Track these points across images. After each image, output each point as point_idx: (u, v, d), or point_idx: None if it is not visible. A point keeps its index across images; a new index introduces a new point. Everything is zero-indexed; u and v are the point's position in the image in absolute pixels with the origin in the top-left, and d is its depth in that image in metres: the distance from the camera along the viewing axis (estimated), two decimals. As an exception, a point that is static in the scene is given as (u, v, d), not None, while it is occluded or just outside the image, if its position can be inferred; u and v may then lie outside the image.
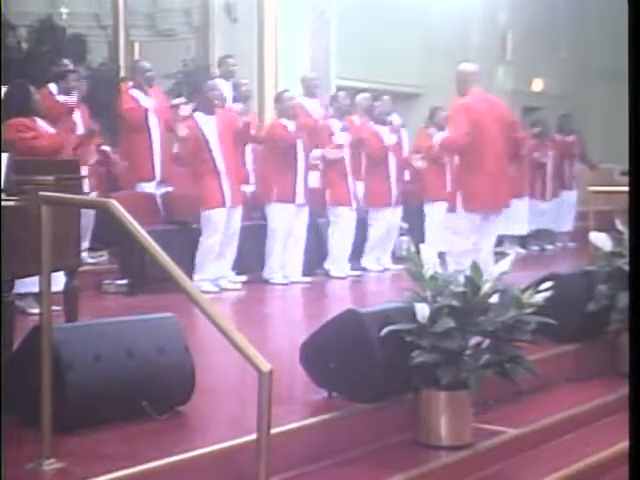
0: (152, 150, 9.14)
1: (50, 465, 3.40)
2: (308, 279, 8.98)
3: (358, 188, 9.70)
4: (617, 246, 6.15)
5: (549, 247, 12.78)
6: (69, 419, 3.70)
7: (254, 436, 3.12)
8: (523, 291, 4.52)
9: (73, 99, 8.36)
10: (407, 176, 10.55)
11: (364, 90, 10.91)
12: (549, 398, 5.31)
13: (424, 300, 4.34)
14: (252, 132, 8.98)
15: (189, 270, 7.86)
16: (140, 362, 4.01)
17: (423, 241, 9.24)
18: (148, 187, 9.14)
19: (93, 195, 7.98)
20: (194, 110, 8.45)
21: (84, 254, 7.40)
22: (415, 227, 10.49)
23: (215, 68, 11.29)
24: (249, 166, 9.54)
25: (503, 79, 16.31)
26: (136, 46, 13.22)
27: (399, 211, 10.09)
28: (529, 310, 4.44)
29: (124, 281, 8.10)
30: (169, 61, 12.07)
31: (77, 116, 8.58)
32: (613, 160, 13.65)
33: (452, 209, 7.43)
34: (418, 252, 4.44)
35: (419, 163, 10.33)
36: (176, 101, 9.34)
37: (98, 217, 8.26)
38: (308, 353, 4.57)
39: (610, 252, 6.17)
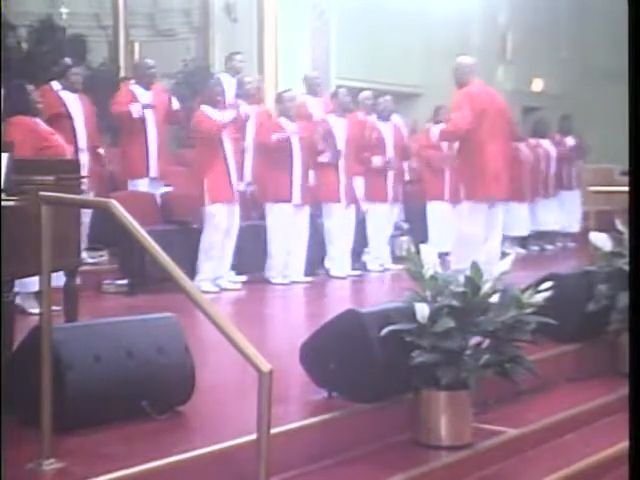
0: (147, 146, 9.10)
1: (50, 465, 3.40)
2: (308, 279, 8.98)
3: (357, 185, 9.69)
4: (617, 246, 6.15)
5: (549, 247, 12.79)
6: (69, 419, 3.70)
7: (254, 436, 3.11)
8: (523, 291, 4.52)
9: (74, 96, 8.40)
10: (407, 176, 10.56)
11: (364, 90, 10.90)
12: (549, 398, 5.31)
13: (424, 300, 4.34)
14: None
15: (189, 270, 7.87)
16: (140, 362, 4.01)
17: (424, 241, 9.24)
18: (142, 184, 9.12)
19: (90, 195, 7.97)
20: (201, 103, 8.44)
21: (84, 254, 7.39)
22: (416, 227, 10.49)
23: (216, 67, 11.31)
24: (247, 164, 9.54)
25: (503, 79, 16.31)
26: (136, 46, 13.23)
27: (396, 209, 10.07)
28: (529, 310, 4.44)
29: (124, 281, 8.10)
30: (169, 61, 12.08)
31: (78, 114, 8.61)
32: (613, 160, 13.66)
33: (456, 201, 7.43)
34: (418, 252, 4.44)
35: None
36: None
37: (95, 217, 8.25)
38: (308, 353, 4.57)
39: (610, 252, 6.17)
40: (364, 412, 4.35)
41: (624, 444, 3.68)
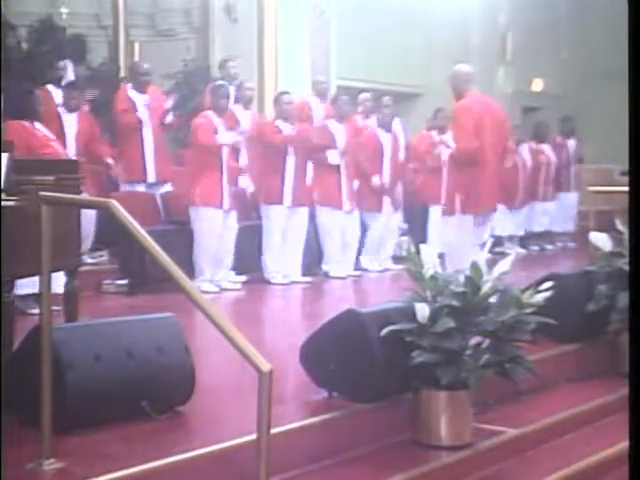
0: (144, 151, 9.11)
1: (50, 465, 3.40)
2: (308, 279, 8.98)
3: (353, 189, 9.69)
4: (617, 246, 6.15)
5: (549, 247, 12.79)
6: (69, 419, 3.70)
7: (254, 436, 3.11)
8: (523, 291, 4.52)
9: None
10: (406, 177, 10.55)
11: (364, 90, 10.91)
12: (549, 398, 5.31)
13: (424, 300, 4.34)
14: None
15: (189, 270, 7.87)
16: (140, 362, 4.01)
17: (424, 241, 9.24)
18: (139, 189, 9.13)
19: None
20: (200, 109, 8.45)
21: (84, 254, 7.40)
22: (415, 227, 10.48)
23: (215, 68, 11.30)
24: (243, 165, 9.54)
25: (503, 80, 16.31)
26: (136, 46, 13.22)
27: (398, 215, 10.08)
28: (529, 310, 4.44)
29: (124, 281, 8.10)
30: (169, 61, 12.08)
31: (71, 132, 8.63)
32: (613, 160, 13.67)
33: (450, 212, 7.41)
34: (418, 252, 4.44)
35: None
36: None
37: (100, 220, 8.27)
38: (308, 353, 4.57)
39: (610, 252, 6.17)
40: (364, 412, 4.35)
41: (624, 444, 3.68)
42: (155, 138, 9.13)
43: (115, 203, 3.36)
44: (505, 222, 11.51)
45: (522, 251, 11.91)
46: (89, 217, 8.02)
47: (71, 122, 8.67)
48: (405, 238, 10.14)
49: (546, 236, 12.84)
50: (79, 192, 4.89)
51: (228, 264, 8.38)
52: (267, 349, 4.04)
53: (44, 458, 3.40)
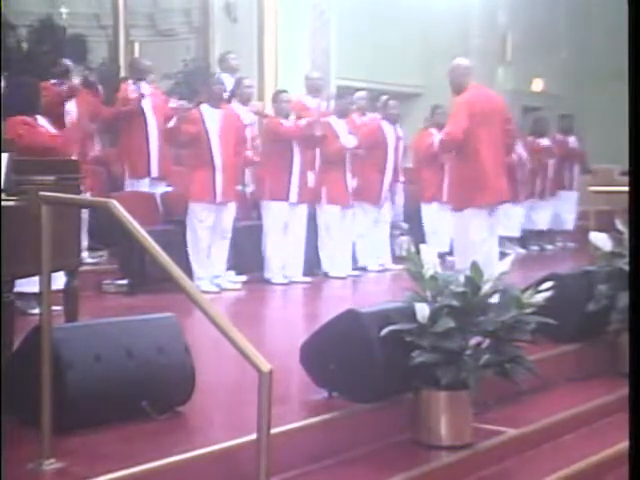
0: (148, 146, 9.13)
1: (50, 465, 3.40)
2: (308, 279, 8.98)
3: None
4: (617, 246, 6.15)
5: (549, 247, 12.79)
6: (69, 419, 3.70)
7: (254, 436, 3.11)
8: (523, 291, 4.52)
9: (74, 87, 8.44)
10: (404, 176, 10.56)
11: (363, 90, 10.91)
12: (549, 398, 5.30)
13: (424, 300, 4.34)
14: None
15: (189, 270, 7.88)
16: (140, 362, 4.01)
17: (423, 241, 9.24)
18: (143, 184, 9.14)
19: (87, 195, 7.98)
20: (200, 102, 8.44)
21: (84, 254, 7.40)
22: (415, 227, 10.49)
23: (215, 67, 11.30)
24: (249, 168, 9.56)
25: (503, 79, 16.30)
26: (136, 46, 13.23)
27: (387, 207, 10.04)
28: (529, 310, 4.45)
29: (124, 281, 8.10)
30: (169, 61, 12.08)
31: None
32: (613, 160, 13.66)
33: (458, 208, 7.40)
34: (418, 252, 4.44)
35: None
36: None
37: (94, 217, 8.25)
38: (308, 353, 4.57)
39: (610, 252, 6.16)
40: (364, 412, 4.35)
41: (624, 444, 3.68)
42: (159, 134, 9.14)
43: (115, 203, 3.37)
44: (505, 222, 11.49)
45: (522, 251, 11.91)
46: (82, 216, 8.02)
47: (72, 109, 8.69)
48: (405, 238, 10.15)
49: (546, 236, 12.84)
50: (79, 192, 4.89)
51: (224, 262, 8.42)
52: (267, 349, 4.03)
53: (44, 458, 3.40)
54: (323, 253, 9.38)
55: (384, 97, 10.52)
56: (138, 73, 9.33)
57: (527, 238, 12.48)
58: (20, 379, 3.73)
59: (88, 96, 9.12)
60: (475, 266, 4.39)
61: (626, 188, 3.30)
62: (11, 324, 4.13)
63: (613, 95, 12.36)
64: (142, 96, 9.08)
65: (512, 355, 4.40)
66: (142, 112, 9.10)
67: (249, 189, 9.38)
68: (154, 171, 9.17)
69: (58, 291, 4.49)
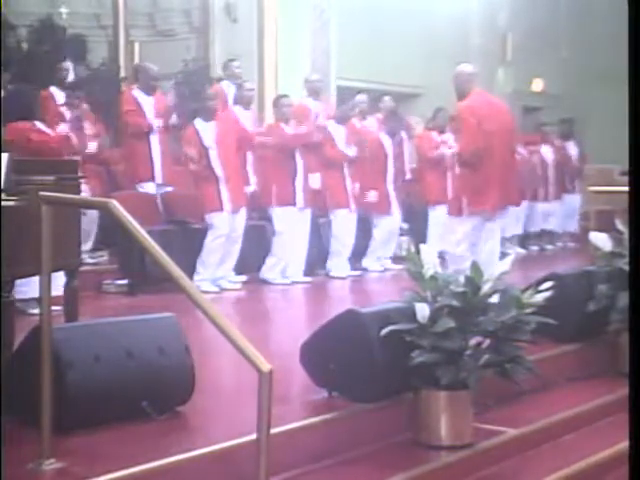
0: (151, 153, 9.13)
1: (50, 465, 3.40)
2: (308, 279, 8.99)
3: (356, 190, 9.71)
4: (617, 246, 6.15)
5: (549, 247, 12.80)
6: (69, 419, 3.70)
7: (254, 436, 3.11)
8: (523, 291, 4.51)
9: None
10: (407, 175, 10.56)
11: (364, 90, 10.91)
12: (549, 398, 5.30)
13: (424, 300, 4.33)
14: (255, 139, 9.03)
15: (189, 270, 7.87)
16: (140, 362, 4.00)
17: (423, 241, 9.23)
18: (148, 187, 9.14)
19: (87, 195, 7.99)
20: (194, 117, 8.47)
21: (84, 254, 7.40)
22: (415, 227, 10.48)
23: (215, 68, 11.33)
24: (249, 168, 9.54)
25: (503, 80, 16.31)
26: (136, 46, 13.23)
27: (398, 214, 10.07)
28: (529, 310, 4.44)
29: (124, 281, 8.10)
30: (169, 61, 12.08)
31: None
32: (613, 160, 13.66)
33: (457, 213, 7.38)
34: (418, 252, 4.44)
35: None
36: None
37: (102, 220, 8.29)
38: (308, 353, 4.57)
39: (610, 252, 6.16)
40: (364, 412, 4.35)
41: (624, 444, 3.68)
42: (161, 141, 9.14)
43: (115, 203, 3.36)
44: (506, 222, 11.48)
45: (522, 251, 11.91)
46: (91, 216, 8.04)
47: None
48: (405, 238, 10.15)
49: (546, 236, 12.85)
50: (79, 192, 4.89)
51: (232, 264, 8.44)
52: (267, 349, 4.04)
53: (44, 458, 3.40)
54: (333, 252, 9.41)
55: (387, 97, 10.53)
56: (147, 82, 9.26)
57: (527, 238, 12.48)
58: (20, 379, 3.73)
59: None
60: (475, 266, 4.39)
61: (626, 188, 3.30)
62: (11, 324, 4.13)
63: (613, 95, 12.36)
64: (140, 108, 9.06)
65: (512, 355, 4.40)
66: (144, 117, 9.07)
67: (251, 190, 9.36)
68: (158, 177, 9.16)
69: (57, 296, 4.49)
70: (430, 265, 4.39)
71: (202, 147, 8.20)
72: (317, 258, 9.36)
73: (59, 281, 4.66)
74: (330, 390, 4.49)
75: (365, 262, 9.86)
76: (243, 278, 8.62)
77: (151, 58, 10.25)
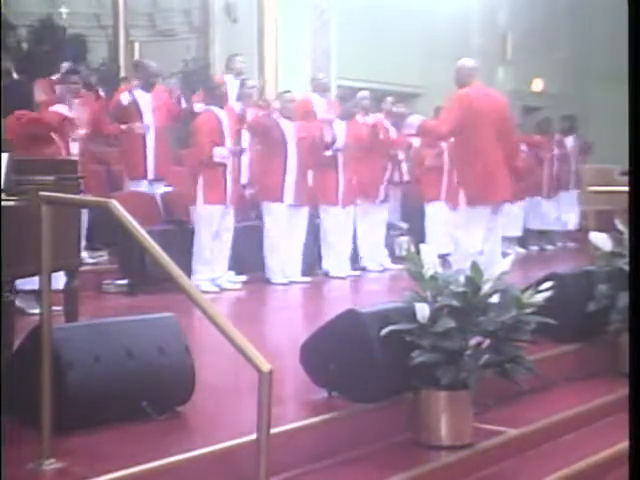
0: (145, 149, 9.12)
1: (50, 465, 3.40)
2: (308, 279, 8.98)
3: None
4: (617, 246, 6.15)
5: (549, 247, 12.80)
6: (69, 419, 3.70)
7: (254, 436, 3.11)
8: (523, 291, 4.51)
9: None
10: (406, 176, 10.56)
11: (364, 90, 10.90)
12: (549, 398, 5.30)
13: (424, 300, 4.33)
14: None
15: (188, 270, 7.87)
16: (140, 362, 4.00)
17: (423, 241, 9.23)
18: (140, 185, 9.14)
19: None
20: (207, 104, 8.47)
21: (84, 254, 7.40)
22: (415, 227, 10.48)
23: (215, 68, 11.32)
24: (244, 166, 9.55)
25: (503, 79, 16.30)
26: (136, 46, 13.24)
27: (386, 208, 10.05)
28: (529, 310, 4.44)
29: (124, 281, 8.10)
30: (169, 61, 12.08)
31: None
32: (613, 160, 13.66)
33: (454, 206, 7.37)
34: (418, 252, 4.44)
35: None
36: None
37: (92, 217, 8.25)
38: (308, 353, 4.57)
39: (610, 252, 6.16)
40: (364, 412, 4.35)
41: (624, 444, 3.68)
42: (157, 137, 9.13)
43: (115, 203, 3.36)
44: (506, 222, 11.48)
45: (522, 251, 11.91)
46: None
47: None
48: (405, 238, 10.15)
49: (546, 236, 12.84)
50: (79, 192, 4.89)
51: (226, 263, 8.41)
52: (267, 349, 4.03)
53: (44, 458, 3.40)
54: (324, 253, 9.38)
55: (389, 98, 10.52)
56: (147, 79, 9.26)
57: (527, 238, 12.48)
58: (20, 379, 3.73)
59: (90, 101, 9.08)
60: (475, 266, 4.39)
61: (626, 188, 3.30)
62: (11, 324, 4.12)
63: (613, 95, 12.36)
64: (137, 105, 9.05)
65: (512, 355, 4.40)
66: (140, 115, 9.07)
67: (248, 190, 9.37)
68: (150, 173, 9.15)
69: (58, 291, 4.49)
70: (430, 265, 4.40)
71: (220, 133, 8.19)
72: (316, 258, 9.36)
73: (59, 281, 4.66)
74: (330, 390, 4.49)
75: (363, 261, 9.84)
76: (243, 278, 8.62)
77: (151, 58, 10.22)
